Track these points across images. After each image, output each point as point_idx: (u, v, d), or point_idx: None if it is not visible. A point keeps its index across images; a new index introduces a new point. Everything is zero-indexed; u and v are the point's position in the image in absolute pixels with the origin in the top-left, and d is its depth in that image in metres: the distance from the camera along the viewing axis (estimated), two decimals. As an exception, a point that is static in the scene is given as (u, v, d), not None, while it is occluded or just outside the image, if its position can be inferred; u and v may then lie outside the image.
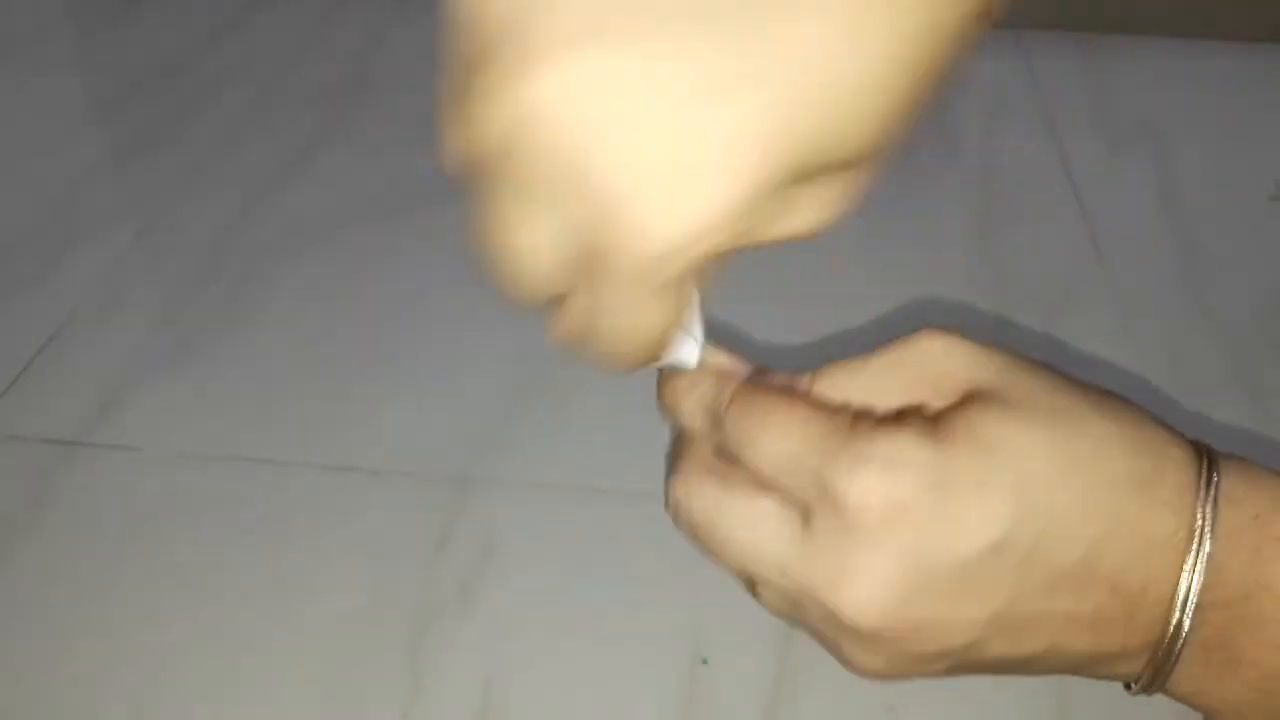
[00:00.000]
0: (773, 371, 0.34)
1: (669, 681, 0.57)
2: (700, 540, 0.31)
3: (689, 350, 0.34)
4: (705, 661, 0.58)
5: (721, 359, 0.33)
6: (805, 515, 0.28)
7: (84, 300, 0.83)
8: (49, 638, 0.59)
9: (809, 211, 0.26)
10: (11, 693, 0.57)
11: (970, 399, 0.30)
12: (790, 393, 0.31)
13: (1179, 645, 0.27)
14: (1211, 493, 0.28)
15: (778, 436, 0.29)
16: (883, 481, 0.27)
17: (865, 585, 0.27)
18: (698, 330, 0.33)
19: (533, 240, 0.29)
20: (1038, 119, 1.08)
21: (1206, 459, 0.29)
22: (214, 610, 0.61)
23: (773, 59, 0.22)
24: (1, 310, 0.83)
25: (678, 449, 0.33)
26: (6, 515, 0.66)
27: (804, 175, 0.24)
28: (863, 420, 0.29)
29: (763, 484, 0.30)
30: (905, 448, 0.28)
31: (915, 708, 0.55)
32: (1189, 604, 0.27)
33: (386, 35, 1.23)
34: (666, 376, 0.34)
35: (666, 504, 0.33)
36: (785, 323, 0.82)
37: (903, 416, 0.30)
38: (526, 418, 0.72)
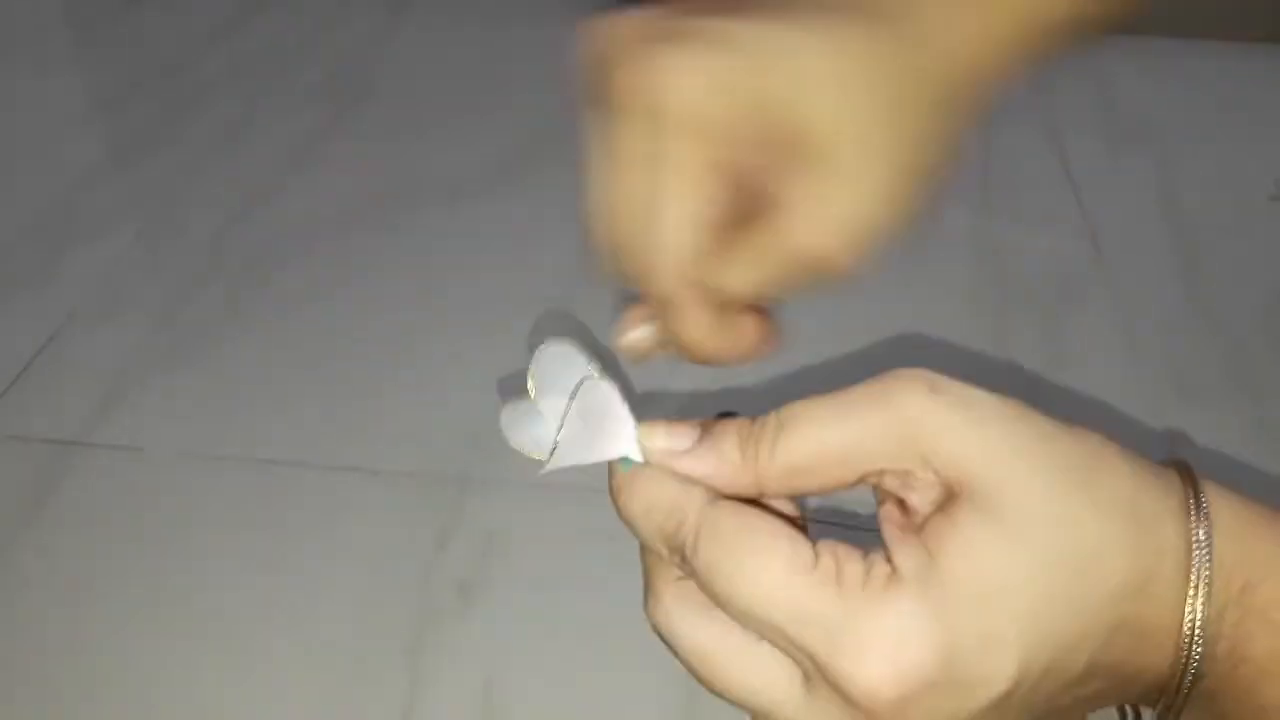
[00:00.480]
0: (735, 417, 0.31)
1: (669, 681, 0.57)
2: (692, 672, 0.31)
3: (627, 445, 0.31)
4: (705, 661, 0.58)
5: (661, 441, 0.30)
6: (805, 676, 0.28)
7: (84, 300, 0.83)
8: (49, 637, 0.59)
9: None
10: (12, 691, 0.57)
11: (966, 500, 0.28)
12: (757, 522, 0.29)
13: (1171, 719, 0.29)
14: (1204, 578, 0.28)
15: (759, 602, 0.27)
16: (890, 668, 0.26)
17: None
18: (628, 422, 0.31)
19: (684, 212, 0.31)
20: (1038, 119, 1.08)
21: (1199, 520, 0.28)
22: (214, 610, 0.61)
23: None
24: (1, 310, 0.83)
25: (645, 561, 0.32)
26: (6, 515, 0.66)
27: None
28: (849, 572, 0.27)
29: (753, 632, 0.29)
30: (907, 625, 0.26)
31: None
32: (1183, 687, 0.28)
33: (386, 35, 1.23)
34: (617, 485, 0.31)
35: (648, 618, 0.32)
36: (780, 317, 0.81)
37: (897, 525, 0.29)
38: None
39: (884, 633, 0.26)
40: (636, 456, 0.31)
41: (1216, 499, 0.29)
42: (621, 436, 0.31)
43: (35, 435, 0.71)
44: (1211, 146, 1.05)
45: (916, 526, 0.29)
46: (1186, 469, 0.30)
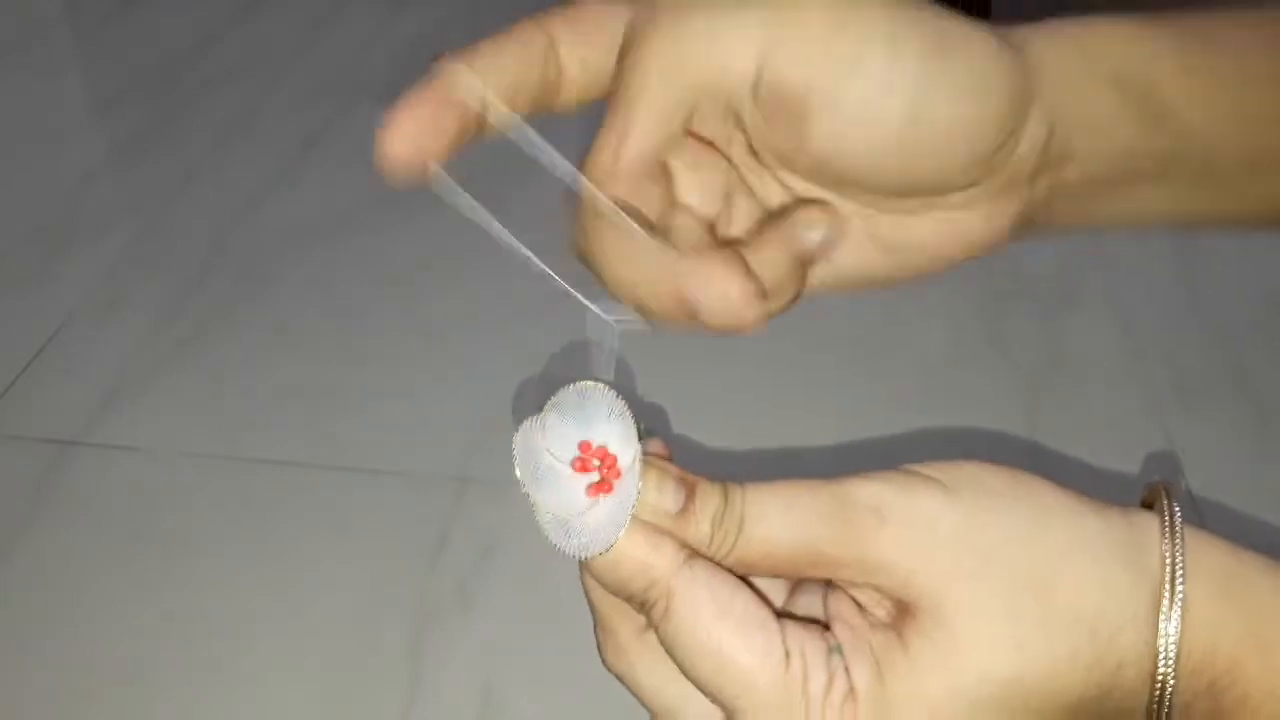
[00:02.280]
0: (699, 479, 0.29)
1: (669, 681, 0.57)
2: (652, 716, 0.31)
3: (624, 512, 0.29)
4: (705, 661, 0.58)
5: (653, 497, 0.29)
6: None
7: (84, 300, 0.83)
8: (49, 636, 0.59)
9: None
10: (12, 690, 0.57)
11: (914, 620, 0.28)
12: (732, 602, 0.28)
13: None
14: (1168, 694, 0.28)
15: (725, 688, 0.28)
16: None
17: None
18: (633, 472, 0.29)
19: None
20: (1037, 119, 1.08)
21: (1173, 611, 0.28)
22: (214, 609, 0.61)
23: None
24: (1, 310, 0.83)
25: (602, 606, 0.31)
26: (6, 515, 0.66)
27: None
28: (814, 682, 0.28)
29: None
30: None
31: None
32: None
33: (386, 35, 1.23)
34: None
35: (603, 662, 0.32)
36: (781, 317, 0.81)
37: (850, 628, 0.29)
38: (527, 418, 0.72)
39: None
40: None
41: (1196, 560, 0.28)
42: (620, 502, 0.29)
43: (35, 435, 0.71)
44: (1211, 146, 1.05)
45: (869, 627, 0.29)
46: (1169, 512, 0.29)
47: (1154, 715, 0.28)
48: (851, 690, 0.28)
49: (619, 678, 0.31)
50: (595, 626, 0.32)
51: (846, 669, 0.28)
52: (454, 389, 0.76)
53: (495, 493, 0.68)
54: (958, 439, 0.72)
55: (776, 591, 0.32)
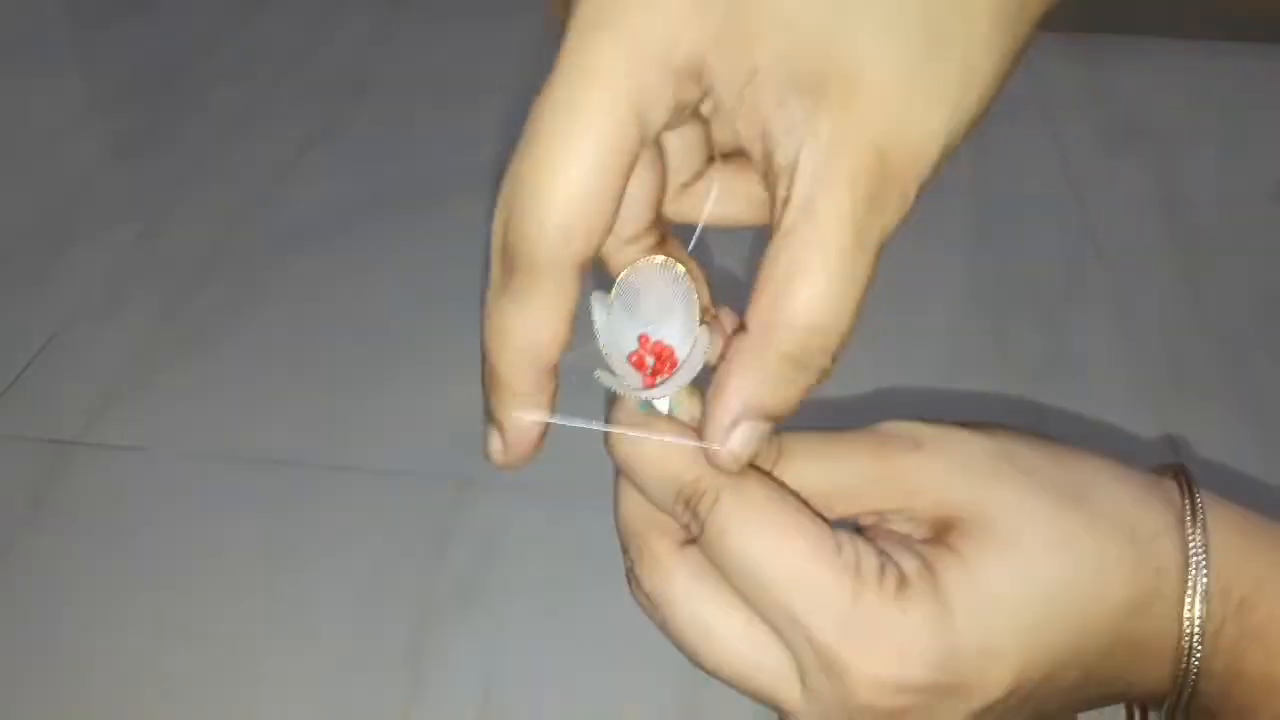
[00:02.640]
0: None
1: (669, 681, 0.57)
2: (682, 645, 0.29)
3: (675, 384, 0.27)
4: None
5: (695, 409, 0.28)
6: (802, 668, 0.28)
7: (84, 300, 0.83)
8: (49, 636, 0.59)
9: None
10: (12, 690, 0.57)
11: (959, 529, 0.28)
12: (786, 496, 0.28)
13: None
14: (1200, 593, 0.28)
15: (777, 575, 0.27)
16: (894, 668, 0.26)
17: None
18: (688, 371, 0.27)
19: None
20: (1038, 119, 1.08)
21: (1197, 531, 0.28)
22: (214, 610, 0.61)
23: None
24: (1, 310, 0.83)
25: (636, 526, 0.30)
26: (7, 515, 0.66)
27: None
28: (866, 567, 0.27)
29: (752, 608, 0.28)
30: (914, 634, 0.26)
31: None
32: (1182, 699, 0.28)
33: (386, 35, 1.23)
34: (630, 422, 0.29)
35: (633, 587, 0.30)
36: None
37: (893, 540, 0.28)
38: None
39: (892, 633, 0.27)
40: (662, 407, 0.28)
41: (1214, 511, 0.29)
42: (675, 379, 0.28)
43: (35, 435, 0.71)
44: (1211, 146, 1.05)
45: (908, 542, 0.29)
46: (1185, 477, 0.30)
47: (1189, 618, 0.28)
48: (904, 578, 0.27)
49: (651, 602, 0.29)
50: (625, 554, 0.30)
51: (896, 561, 0.28)
52: (455, 389, 0.76)
53: (495, 493, 0.68)
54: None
55: None
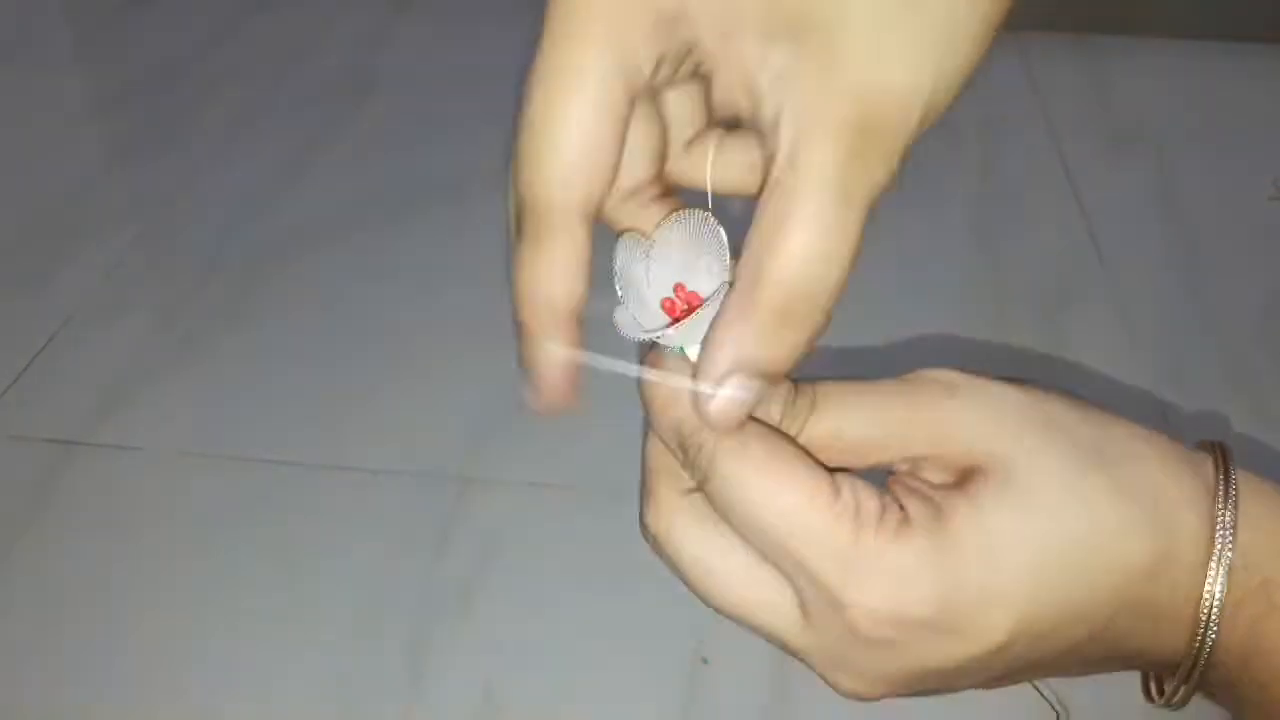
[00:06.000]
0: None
1: (669, 681, 0.57)
2: (688, 584, 0.30)
3: (695, 330, 0.27)
4: (705, 661, 0.58)
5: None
6: (804, 604, 0.28)
7: (84, 300, 0.83)
8: (49, 636, 0.59)
9: None
10: (12, 690, 0.57)
11: (979, 476, 0.28)
12: (785, 444, 0.28)
13: (1177, 704, 0.29)
14: (1224, 564, 0.28)
15: (775, 519, 0.27)
16: (893, 604, 0.27)
17: (867, 680, 0.28)
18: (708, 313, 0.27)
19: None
20: (1038, 119, 1.08)
21: (1226, 507, 0.28)
22: (214, 610, 0.61)
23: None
24: (1, 310, 0.83)
25: (648, 468, 0.30)
26: (7, 515, 0.66)
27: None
28: (866, 509, 0.27)
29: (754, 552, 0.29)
30: (914, 566, 0.27)
31: (921, 706, 0.55)
32: (1196, 670, 0.28)
33: (386, 35, 1.23)
34: (653, 365, 0.29)
35: (643, 528, 0.31)
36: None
37: (908, 487, 0.29)
38: (526, 418, 0.72)
39: (891, 570, 0.27)
40: (692, 352, 0.28)
41: (1248, 489, 0.29)
42: (693, 327, 0.28)
43: (35, 435, 0.71)
44: (1211, 146, 1.05)
45: (931, 487, 0.29)
46: (1223, 453, 0.30)
47: (1210, 590, 0.28)
48: (906, 518, 0.27)
49: (657, 542, 0.30)
50: (641, 490, 0.31)
51: (901, 505, 0.28)
52: (454, 389, 0.76)
53: (495, 493, 0.68)
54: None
55: None
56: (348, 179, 0.99)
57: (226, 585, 0.62)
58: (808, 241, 0.25)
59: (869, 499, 0.28)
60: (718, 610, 0.30)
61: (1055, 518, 0.27)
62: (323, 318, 0.83)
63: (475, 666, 0.58)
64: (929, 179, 0.99)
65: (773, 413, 0.29)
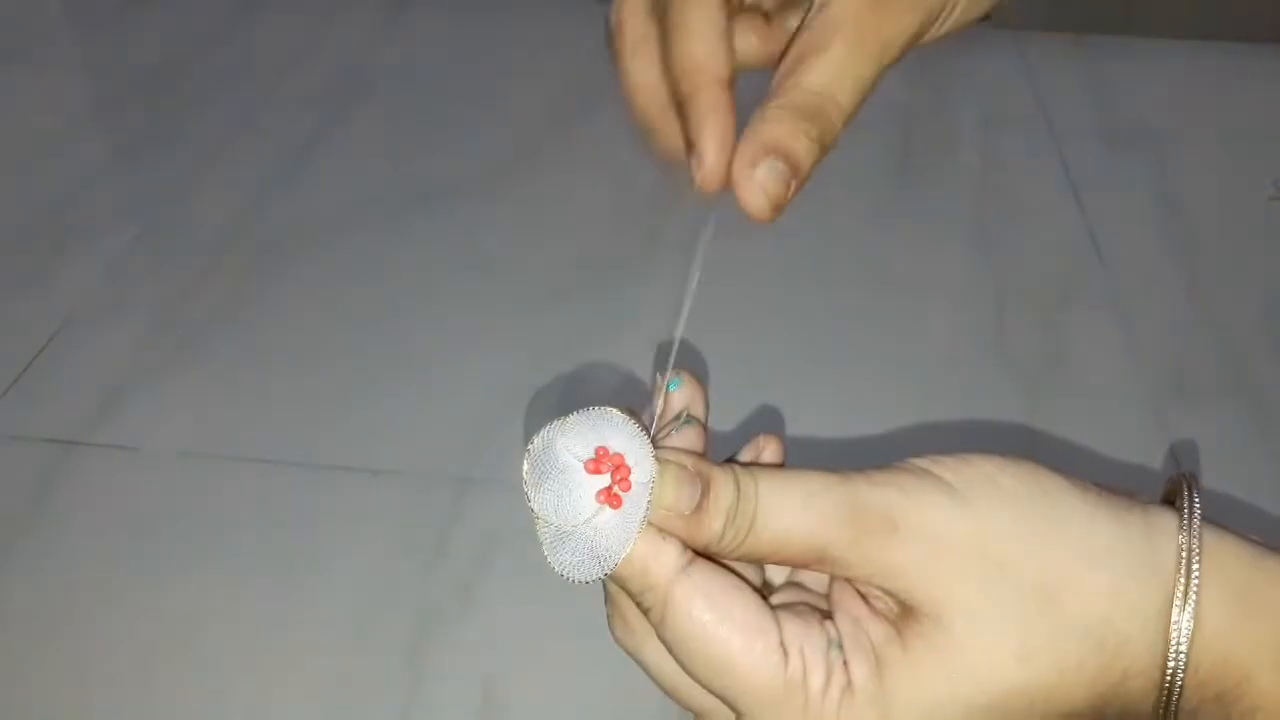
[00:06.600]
0: (713, 470, 0.29)
1: (669, 681, 0.57)
2: (659, 688, 0.32)
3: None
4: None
5: (670, 498, 0.29)
6: None
7: (84, 300, 0.83)
8: (48, 636, 0.59)
9: None
10: (11, 689, 0.57)
11: (915, 623, 0.28)
12: (730, 607, 0.29)
13: None
14: (1179, 684, 0.28)
15: (725, 685, 0.28)
16: None
17: None
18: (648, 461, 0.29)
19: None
20: (1037, 119, 1.08)
21: (1185, 606, 0.27)
22: (213, 610, 0.61)
23: None
24: (1, 310, 0.83)
25: (611, 589, 0.32)
26: (7, 515, 0.66)
27: None
28: (813, 681, 0.28)
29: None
30: None
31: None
32: None
33: (386, 35, 1.23)
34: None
35: (613, 637, 0.33)
36: (783, 315, 0.82)
37: (852, 623, 0.29)
38: (526, 418, 0.72)
39: None
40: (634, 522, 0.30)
41: (1212, 580, 0.28)
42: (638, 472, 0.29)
43: (35, 435, 0.71)
44: (1211, 146, 1.05)
45: (871, 616, 0.29)
46: (1191, 531, 0.28)
47: (1161, 714, 0.28)
48: (850, 685, 0.28)
49: (628, 652, 0.32)
50: (606, 601, 0.33)
51: (845, 663, 0.28)
52: (454, 389, 0.76)
53: (495, 493, 0.68)
54: (958, 437, 0.72)
55: (780, 569, 0.32)
56: (347, 179, 0.99)
57: (226, 585, 0.62)
58: (826, 65, 0.30)
59: (816, 666, 0.28)
60: (684, 708, 0.32)
61: (991, 674, 0.28)
62: (322, 318, 0.83)
63: (475, 666, 0.58)
64: (929, 179, 0.99)
65: (714, 527, 0.29)
